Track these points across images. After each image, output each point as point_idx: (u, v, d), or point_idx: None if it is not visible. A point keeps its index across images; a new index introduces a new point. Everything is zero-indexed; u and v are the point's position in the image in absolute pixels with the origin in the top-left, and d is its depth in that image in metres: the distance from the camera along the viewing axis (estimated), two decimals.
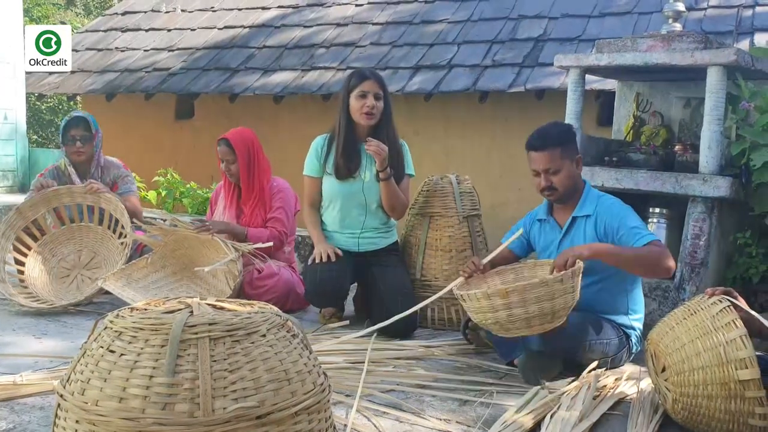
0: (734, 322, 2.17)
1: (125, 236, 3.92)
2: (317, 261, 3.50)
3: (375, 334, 3.32)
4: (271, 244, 3.80)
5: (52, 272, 4.07)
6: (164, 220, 4.49)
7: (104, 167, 4.25)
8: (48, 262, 4.09)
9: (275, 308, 1.81)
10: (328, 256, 3.50)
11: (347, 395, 2.56)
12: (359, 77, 3.55)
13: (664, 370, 2.31)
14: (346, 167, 3.57)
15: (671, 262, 2.84)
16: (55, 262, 4.10)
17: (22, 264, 4.03)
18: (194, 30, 7.96)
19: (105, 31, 8.46)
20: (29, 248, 4.06)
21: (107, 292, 3.79)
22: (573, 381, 2.71)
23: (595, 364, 2.83)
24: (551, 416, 2.36)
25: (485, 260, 3.12)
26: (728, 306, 2.22)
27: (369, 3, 7.54)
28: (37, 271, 4.04)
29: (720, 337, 2.17)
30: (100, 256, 4.09)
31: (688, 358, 2.22)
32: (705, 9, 6.04)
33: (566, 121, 3.92)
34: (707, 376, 2.16)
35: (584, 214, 3.03)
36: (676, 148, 3.79)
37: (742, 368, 2.11)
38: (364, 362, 2.79)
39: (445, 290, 3.10)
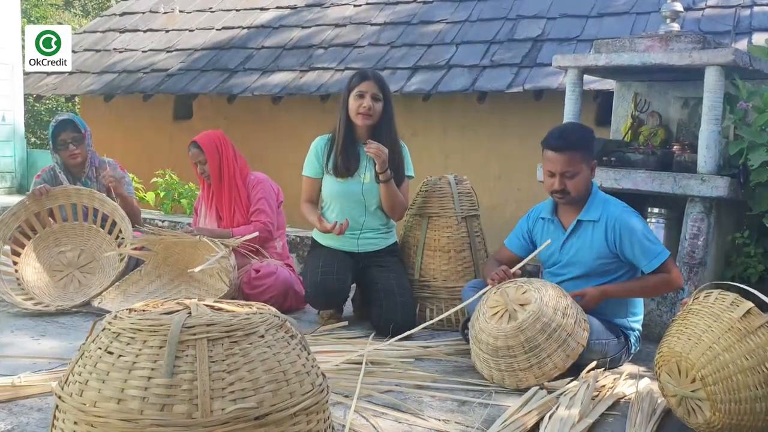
0: None
1: (123, 244, 3.93)
2: (336, 228, 3.46)
3: (373, 334, 3.34)
4: (257, 233, 3.81)
5: (47, 262, 4.03)
6: (152, 225, 4.49)
7: (99, 168, 4.23)
8: (49, 249, 4.06)
9: (273, 309, 1.81)
10: (330, 261, 3.53)
11: (346, 396, 2.56)
12: (359, 77, 3.56)
13: (694, 381, 2.26)
14: (345, 166, 3.58)
15: (678, 283, 3.00)
16: (55, 252, 4.07)
17: (22, 248, 4.00)
18: (192, 31, 7.96)
19: (103, 32, 8.46)
20: (35, 232, 4.05)
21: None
22: (572, 381, 2.71)
23: (594, 363, 2.83)
24: (550, 416, 2.37)
25: (515, 268, 3.09)
26: (753, 307, 2.23)
27: (367, 3, 7.55)
28: (33, 256, 4.01)
29: (759, 339, 2.17)
30: (97, 263, 4.06)
31: (726, 364, 2.19)
32: (703, 9, 6.04)
33: (564, 122, 3.92)
34: (755, 378, 2.15)
35: (590, 219, 3.01)
36: (674, 148, 3.79)
37: None
38: (362, 363, 2.79)
39: (476, 296, 3.05)
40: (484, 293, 2.99)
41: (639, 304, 3.14)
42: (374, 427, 2.33)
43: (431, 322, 3.23)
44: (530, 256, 3.18)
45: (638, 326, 3.11)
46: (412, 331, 3.14)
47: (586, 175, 3.00)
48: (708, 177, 3.44)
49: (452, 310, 3.23)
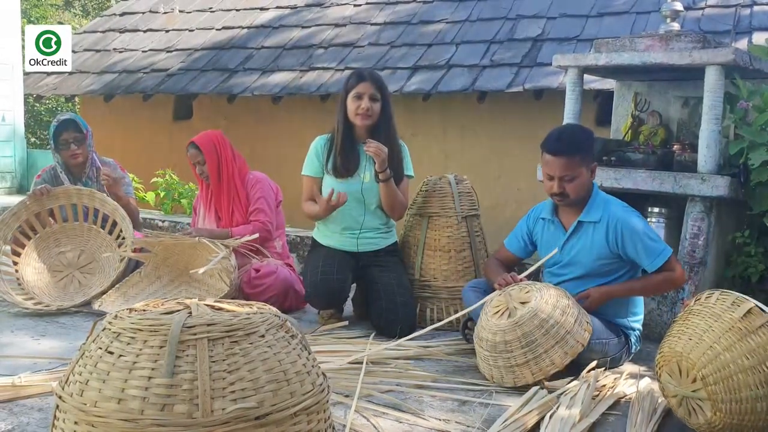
0: None
1: (124, 244, 3.93)
2: (332, 200, 3.45)
3: (374, 334, 3.34)
4: (257, 235, 3.81)
5: (48, 262, 4.03)
6: (152, 225, 4.48)
7: (99, 168, 4.23)
8: (49, 249, 4.06)
9: (274, 309, 1.81)
10: (330, 261, 3.52)
11: (346, 395, 2.56)
12: (357, 78, 3.56)
13: (695, 381, 2.25)
14: (344, 167, 3.58)
15: (681, 280, 3.01)
16: (55, 252, 4.07)
17: (23, 248, 4.00)
18: (192, 31, 7.96)
19: (103, 32, 8.46)
20: (36, 232, 4.04)
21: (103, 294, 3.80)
22: (572, 380, 2.71)
23: (594, 363, 2.83)
24: (551, 416, 2.36)
25: (522, 276, 3.06)
26: (754, 306, 2.23)
27: (367, 3, 7.54)
28: (34, 256, 4.01)
29: (759, 339, 2.17)
30: (97, 264, 4.06)
31: (727, 364, 2.19)
32: (703, 8, 6.04)
33: (564, 121, 3.91)
34: (756, 377, 2.15)
35: (591, 220, 3.01)
36: (675, 147, 3.79)
37: None
38: (362, 363, 2.79)
39: (482, 301, 3.02)
40: (490, 298, 2.97)
41: (639, 304, 3.14)
42: (375, 426, 2.33)
43: (441, 323, 3.20)
44: (538, 264, 3.18)
45: (638, 326, 3.11)
46: (420, 332, 3.12)
47: (585, 177, 2.98)
48: (708, 176, 3.44)
49: (460, 314, 3.23)
